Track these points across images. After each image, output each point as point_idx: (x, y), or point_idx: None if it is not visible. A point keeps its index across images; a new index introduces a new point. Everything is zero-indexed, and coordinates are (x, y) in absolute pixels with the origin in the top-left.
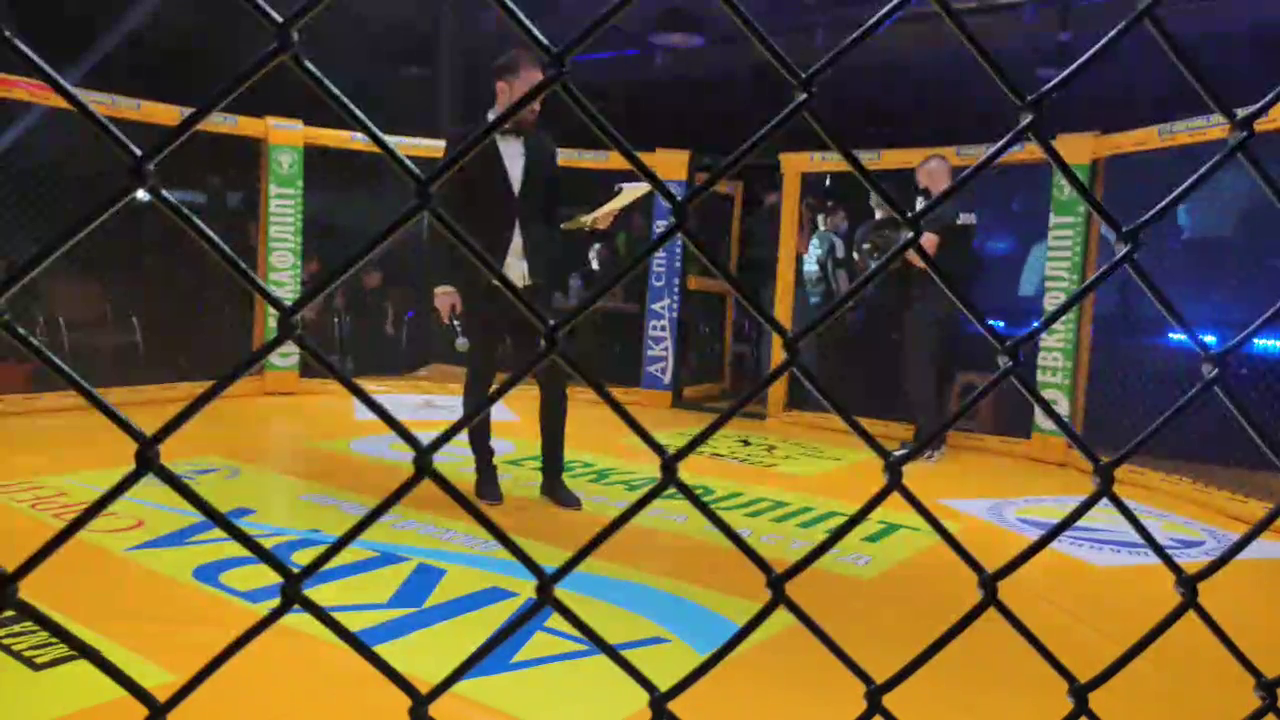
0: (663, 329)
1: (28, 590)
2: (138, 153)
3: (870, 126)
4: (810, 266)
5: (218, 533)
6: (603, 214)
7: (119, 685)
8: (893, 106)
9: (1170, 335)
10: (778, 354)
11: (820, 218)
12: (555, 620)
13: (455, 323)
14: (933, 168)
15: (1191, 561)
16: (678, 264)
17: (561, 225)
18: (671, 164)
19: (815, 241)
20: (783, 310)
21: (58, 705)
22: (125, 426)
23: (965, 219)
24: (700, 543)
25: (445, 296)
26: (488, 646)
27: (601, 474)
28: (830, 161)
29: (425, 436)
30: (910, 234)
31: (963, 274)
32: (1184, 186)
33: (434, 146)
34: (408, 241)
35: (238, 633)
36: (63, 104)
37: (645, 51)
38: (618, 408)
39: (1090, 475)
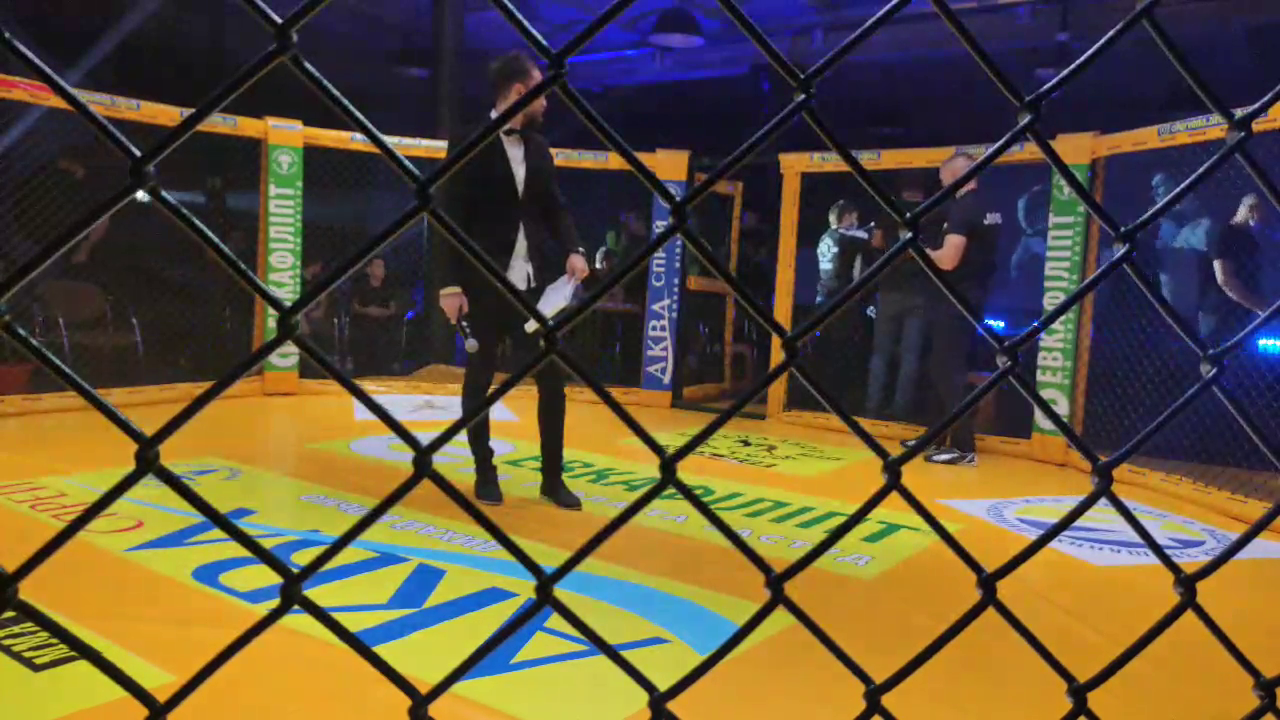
0: (663, 329)
1: (28, 590)
2: (137, 153)
3: (870, 126)
4: (825, 265)
5: (218, 533)
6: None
7: (119, 685)
8: (893, 106)
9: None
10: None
11: (832, 216)
12: (555, 620)
13: (464, 324)
14: (953, 166)
15: (1191, 561)
16: (677, 264)
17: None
18: (671, 164)
19: (828, 242)
20: (782, 310)
21: (58, 705)
22: (125, 427)
23: (992, 219)
24: (700, 543)
25: (452, 298)
26: (488, 646)
27: (601, 474)
28: (830, 162)
29: (425, 437)
30: (909, 234)
31: (986, 273)
32: (1182, 186)
33: (434, 147)
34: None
35: (238, 633)
36: (63, 104)
37: (645, 51)
38: (618, 408)
39: (1090, 475)
